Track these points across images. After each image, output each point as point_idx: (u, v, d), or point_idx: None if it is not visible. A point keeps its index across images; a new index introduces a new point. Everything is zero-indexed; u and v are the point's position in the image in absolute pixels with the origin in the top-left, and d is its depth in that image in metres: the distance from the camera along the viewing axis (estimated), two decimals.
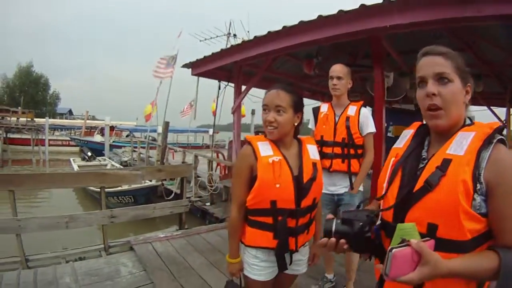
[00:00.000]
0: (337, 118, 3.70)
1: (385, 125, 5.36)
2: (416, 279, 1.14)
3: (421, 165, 1.40)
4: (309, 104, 8.84)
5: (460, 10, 3.66)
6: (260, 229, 2.19)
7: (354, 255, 2.71)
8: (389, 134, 10.71)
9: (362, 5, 4.23)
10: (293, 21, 5.35)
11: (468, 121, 1.39)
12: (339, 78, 3.65)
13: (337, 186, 3.68)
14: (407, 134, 1.57)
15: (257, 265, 2.25)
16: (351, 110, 3.67)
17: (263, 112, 2.19)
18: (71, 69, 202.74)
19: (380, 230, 1.44)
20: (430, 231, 1.25)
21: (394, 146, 1.59)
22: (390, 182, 1.45)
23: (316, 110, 3.95)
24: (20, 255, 4.86)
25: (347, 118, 3.63)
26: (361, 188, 3.73)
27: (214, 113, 25.95)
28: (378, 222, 1.47)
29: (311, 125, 4.00)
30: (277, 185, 2.08)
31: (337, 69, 3.69)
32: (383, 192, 1.48)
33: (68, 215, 5.35)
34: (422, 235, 1.22)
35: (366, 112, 3.67)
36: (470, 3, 3.58)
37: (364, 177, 3.71)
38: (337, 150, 3.60)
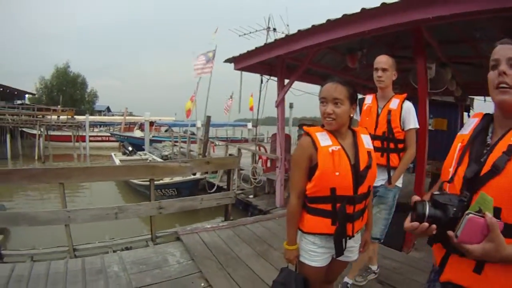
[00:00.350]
0: (379, 111, 3.71)
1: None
2: (477, 252, 1.20)
3: (485, 151, 1.43)
4: None
5: (503, 1, 3.59)
6: (319, 216, 2.30)
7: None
8: (429, 127, 10.46)
9: None
10: (327, 15, 5.41)
11: None
12: (384, 69, 3.65)
13: None
14: (472, 122, 1.60)
15: (314, 251, 2.37)
16: (394, 103, 3.65)
17: (321, 104, 2.29)
18: (108, 68, 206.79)
19: None
20: (494, 214, 1.24)
21: (460, 133, 1.62)
22: (457, 167, 1.49)
23: (360, 102, 3.92)
24: (68, 245, 5.11)
25: (389, 112, 3.61)
26: (399, 184, 3.72)
27: (251, 108, 26.24)
28: None
29: (356, 116, 3.93)
30: (337, 173, 2.18)
31: (383, 60, 3.68)
32: (450, 176, 1.52)
33: (117, 206, 5.61)
34: None
35: (410, 106, 3.62)
36: None
37: (403, 172, 3.69)
38: (377, 143, 3.53)
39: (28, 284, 3.98)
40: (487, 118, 1.55)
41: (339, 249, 2.33)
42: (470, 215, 1.21)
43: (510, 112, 1.40)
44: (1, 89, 39.51)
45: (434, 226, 1.32)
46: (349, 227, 2.31)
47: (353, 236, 2.38)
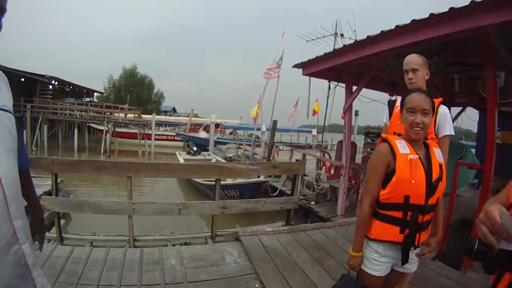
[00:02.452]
0: None
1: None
2: None
3: None
4: None
5: None
6: (389, 223, 2.36)
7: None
8: (497, 141, 9.85)
9: (473, 1, 4.21)
10: (396, 21, 5.41)
11: None
12: (414, 70, 3.37)
13: None
14: None
15: (377, 259, 2.44)
16: None
17: (408, 114, 2.34)
18: (175, 71, 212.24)
19: None
20: None
21: None
22: None
23: (392, 104, 3.79)
24: (129, 235, 5.44)
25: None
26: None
27: (315, 113, 26.21)
28: None
29: (385, 119, 3.85)
30: (413, 181, 2.24)
31: (412, 60, 3.43)
32: None
33: (181, 202, 5.88)
34: None
35: (446, 110, 3.33)
36: None
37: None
38: None
39: (85, 267, 4.29)
40: None
41: (405, 257, 2.41)
42: None
43: None
44: (71, 87, 41.49)
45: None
46: (417, 236, 2.39)
47: (418, 246, 2.46)
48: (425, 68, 3.38)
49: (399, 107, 3.56)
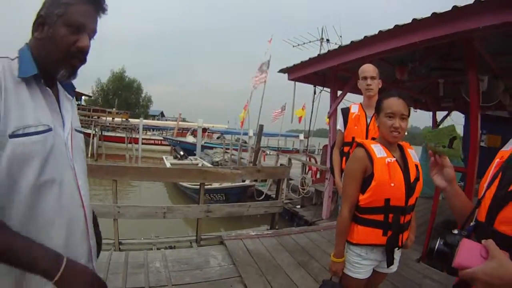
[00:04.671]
0: (368, 120, 3.71)
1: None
2: (479, 272, 1.13)
3: None
4: None
5: None
6: (371, 227, 2.38)
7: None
8: (482, 144, 9.79)
9: (455, 7, 4.24)
10: (378, 26, 5.43)
11: None
12: (372, 78, 3.67)
13: None
14: None
15: (360, 263, 2.45)
16: None
17: (387, 118, 2.37)
18: (163, 75, 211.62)
19: (473, 231, 1.42)
20: None
21: (502, 149, 1.53)
22: (490, 183, 1.41)
23: (346, 111, 3.96)
24: (114, 238, 5.41)
25: None
26: None
27: (300, 120, 26.34)
28: (472, 223, 1.46)
29: (339, 127, 4.02)
30: (392, 184, 2.28)
31: (370, 69, 3.71)
32: (483, 193, 1.44)
33: (167, 206, 5.89)
34: (509, 238, 1.21)
35: None
36: None
37: None
38: None
39: None
40: None
41: (391, 259, 2.43)
42: (464, 238, 1.25)
43: None
44: None
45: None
46: (400, 237, 2.41)
47: (401, 246, 2.49)
48: (379, 77, 3.77)
49: (355, 113, 3.76)
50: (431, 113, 10.68)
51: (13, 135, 1.13)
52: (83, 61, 1.39)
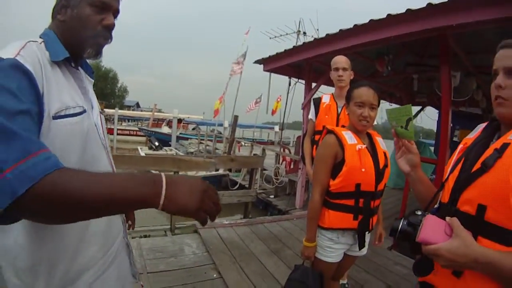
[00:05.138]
0: (339, 109, 3.78)
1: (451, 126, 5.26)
2: (444, 249, 1.16)
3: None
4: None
5: None
6: (342, 211, 2.44)
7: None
8: (454, 139, 10.35)
9: (429, 4, 4.32)
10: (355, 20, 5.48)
11: None
12: (344, 69, 3.74)
13: None
14: (480, 127, 1.57)
15: (331, 247, 2.53)
16: None
17: (356, 107, 2.42)
18: (139, 65, 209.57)
19: (436, 212, 1.44)
20: (479, 213, 1.23)
21: (466, 137, 1.59)
22: (454, 167, 1.47)
23: (317, 101, 4.04)
24: None
25: None
26: None
27: (274, 112, 26.41)
28: (436, 206, 1.53)
29: (311, 116, 4.09)
30: (363, 170, 2.35)
31: (342, 60, 3.78)
32: (446, 177, 1.50)
33: None
34: (471, 217, 1.25)
35: None
36: None
37: None
38: None
39: None
40: (494, 124, 1.50)
41: (362, 241, 2.51)
42: (428, 214, 1.28)
43: (507, 123, 1.36)
44: None
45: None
46: (370, 221, 2.49)
47: (372, 230, 2.58)
48: (351, 69, 3.83)
49: (326, 103, 3.83)
50: None
51: (56, 117, 1.13)
52: (109, 39, 1.40)
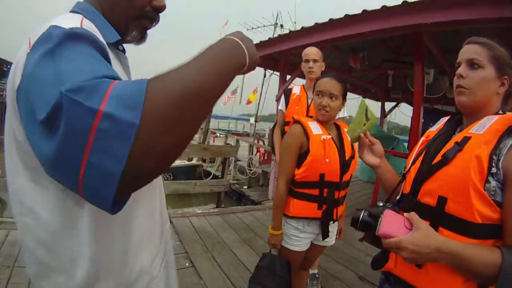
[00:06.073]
0: (309, 101, 3.78)
1: (422, 121, 5.33)
2: (406, 242, 1.16)
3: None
4: (349, 98, 8.90)
5: (498, 10, 3.65)
6: (306, 201, 2.45)
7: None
8: None
9: (404, 2, 4.37)
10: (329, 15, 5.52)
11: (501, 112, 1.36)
12: (315, 60, 3.72)
13: None
14: (442, 120, 1.62)
15: (297, 236, 2.52)
16: None
17: (316, 97, 2.45)
18: None
19: (398, 203, 1.51)
20: (440, 204, 1.28)
21: (429, 129, 1.64)
22: (415, 159, 1.51)
23: (288, 92, 4.05)
24: None
25: None
26: None
27: (248, 102, 26.44)
28: (398, 197, 1.57)
29: (281, 107, 4.12)
30: (327, 160, 2.35)
31: (313, 52, 3.75)
32: (407, 168, 1.53)
33: None
34: (432, 208, 1.31)
35: None
36: (508, 4, 3.60)
37: None
38: None
39: (21, 248, 4.14)
40: (457, 118, 1.54)
41: (326, 231, 2.51)
42: (386, 209, 1.29)
43: (467, 113, 1.42)
44: (9, 67, 39.53)
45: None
46: (334, 211, 2.49)
47: (336, 220, 2.58)
48: (322, 60, 3.80)
49: (296, 94, 3.85)
50: (380, 103, 11.00)
51: None
52: (156, 21, 1.21)
